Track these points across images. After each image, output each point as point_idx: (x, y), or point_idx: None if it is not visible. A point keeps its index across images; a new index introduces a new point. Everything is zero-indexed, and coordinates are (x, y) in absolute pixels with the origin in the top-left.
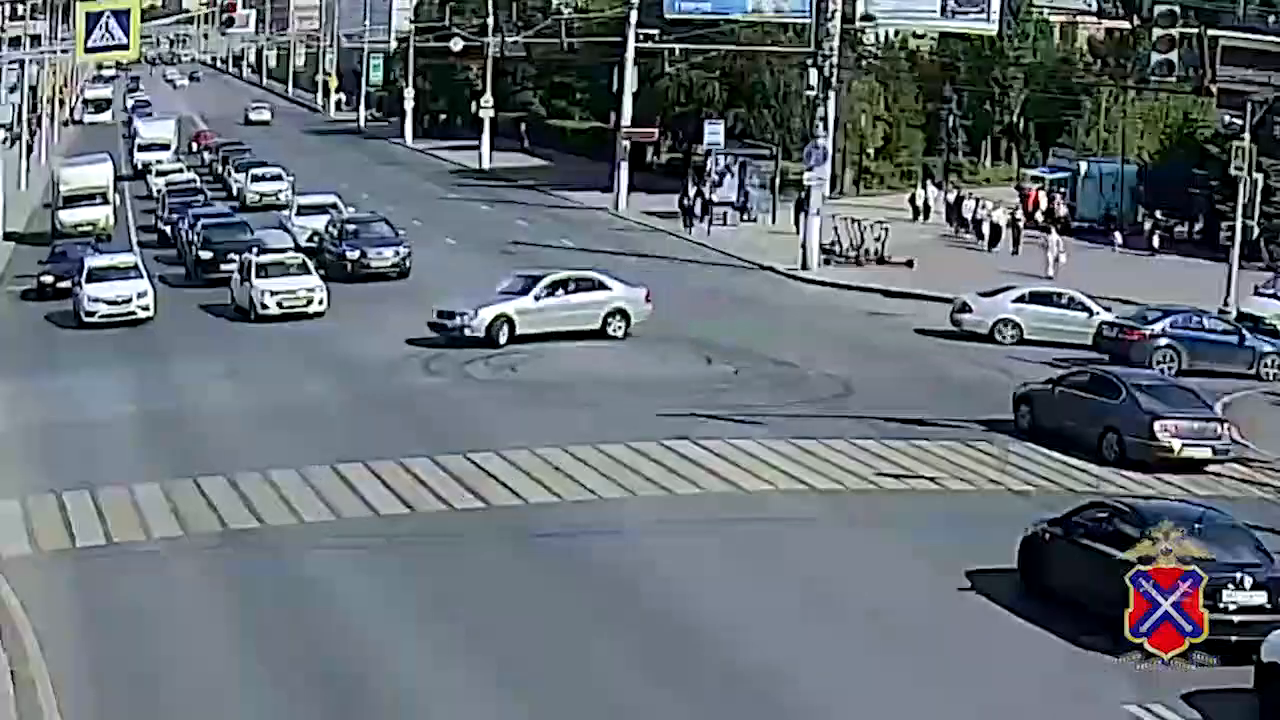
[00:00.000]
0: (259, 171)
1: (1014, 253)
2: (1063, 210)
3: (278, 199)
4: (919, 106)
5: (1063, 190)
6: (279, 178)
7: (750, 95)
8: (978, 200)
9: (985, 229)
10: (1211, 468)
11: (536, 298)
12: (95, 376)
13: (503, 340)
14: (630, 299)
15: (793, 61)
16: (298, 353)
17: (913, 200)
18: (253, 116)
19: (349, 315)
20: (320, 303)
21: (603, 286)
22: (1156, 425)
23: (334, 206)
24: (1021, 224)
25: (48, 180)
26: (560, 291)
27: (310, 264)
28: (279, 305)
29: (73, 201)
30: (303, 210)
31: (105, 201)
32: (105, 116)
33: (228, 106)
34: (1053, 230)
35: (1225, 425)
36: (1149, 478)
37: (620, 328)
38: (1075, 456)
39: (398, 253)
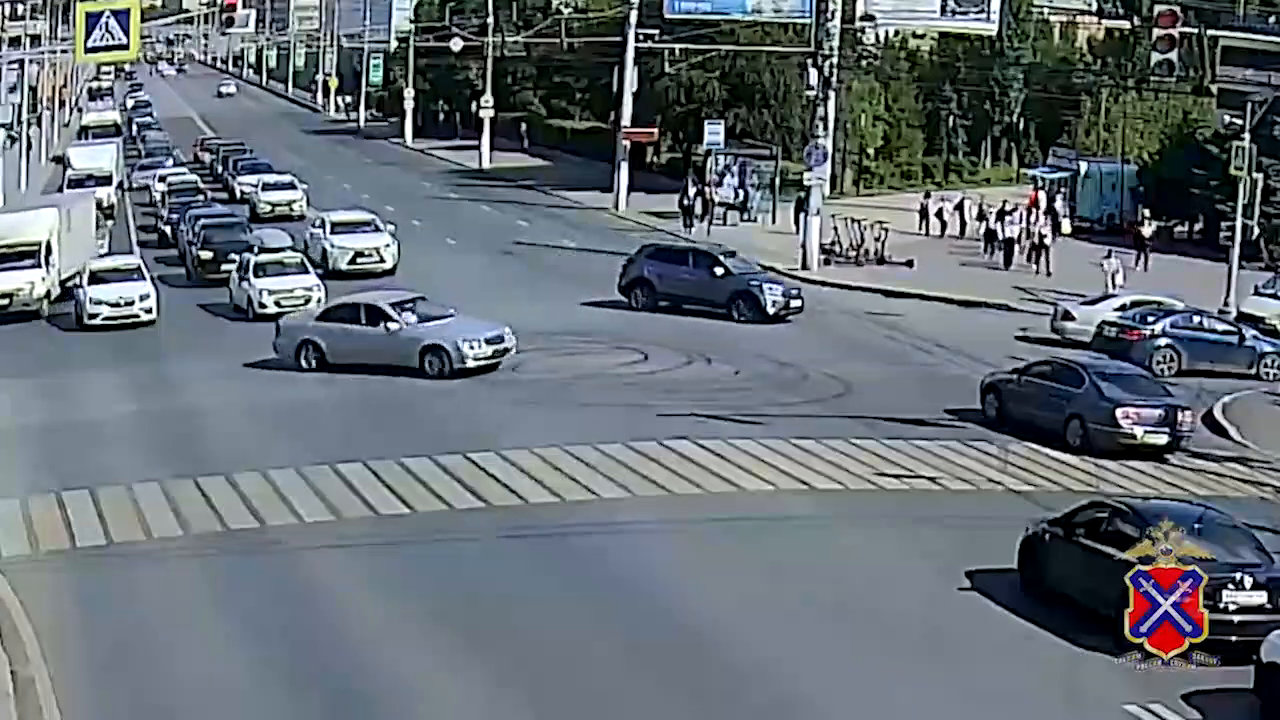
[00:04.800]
0: (271, 179)
1: (1041, 272)
2: (1149, 230)
3: (291, 209)
4: (919, 106)
5: (1063, 192)
6: (292, 186)
7: (750, 95)
8: (1022, 214)
9: (1001, 242)
10: (1212, 467)
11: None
12: (95, 376)
13: None
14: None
15: (793, 61)
16: None
17: (923, 210)
18: (222, 91)
19: None
20: (318, 302)
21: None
22: (1118, 412)
23: (370, 224)
24: (1045, 239)
25: None
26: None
27: (308, 263)
28: (277, 304)
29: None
30: (338, 228)
31: (37, 263)
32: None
33: (210, 91)
34: (1111, 255)
35: (1187, 412)
36: (1148, 476)
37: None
38: (1054, 448)
39: (790, 292)
